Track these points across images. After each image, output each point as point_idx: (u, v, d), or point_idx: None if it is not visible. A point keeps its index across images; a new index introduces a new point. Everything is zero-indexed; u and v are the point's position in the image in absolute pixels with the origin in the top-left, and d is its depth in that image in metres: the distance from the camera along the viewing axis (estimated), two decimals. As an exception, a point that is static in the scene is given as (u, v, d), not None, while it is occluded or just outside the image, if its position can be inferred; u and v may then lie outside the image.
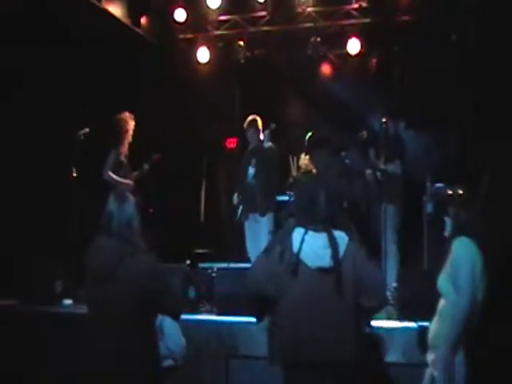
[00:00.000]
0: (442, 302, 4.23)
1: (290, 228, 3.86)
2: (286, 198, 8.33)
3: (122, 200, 4.22)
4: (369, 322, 3.90)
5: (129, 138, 8.11)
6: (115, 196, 4.26)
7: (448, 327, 4.03)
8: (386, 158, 7.90)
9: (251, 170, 8.55)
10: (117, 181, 7.82)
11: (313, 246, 3.69)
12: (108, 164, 7.87)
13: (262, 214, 8.46)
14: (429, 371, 4.21)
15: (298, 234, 3.75)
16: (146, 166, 8.23)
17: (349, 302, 3.65)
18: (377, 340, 5.64)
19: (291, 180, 8.08)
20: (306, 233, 3.73)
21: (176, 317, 4.38)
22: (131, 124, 8.10)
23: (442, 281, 4.24)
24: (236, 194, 8.81)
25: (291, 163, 8.46)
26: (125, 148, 8.08)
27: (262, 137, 8.63)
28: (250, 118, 8.73)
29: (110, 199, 4.23)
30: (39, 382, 6.06)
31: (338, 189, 6.53)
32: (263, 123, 8.83)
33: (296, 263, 3.67)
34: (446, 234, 4.52)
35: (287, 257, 3.70)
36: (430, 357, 4.23)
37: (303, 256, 3.68)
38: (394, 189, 7.92)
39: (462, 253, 4.15)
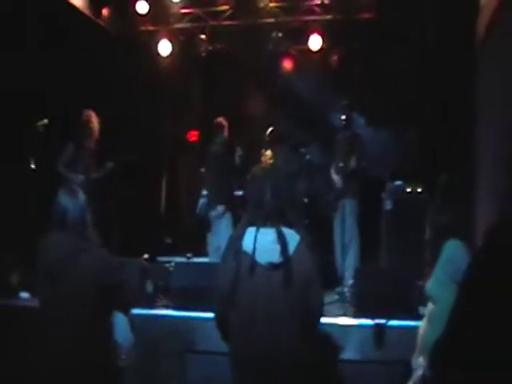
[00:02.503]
0: (429, 306, 4.25)
1: (243, 226, 3.87)
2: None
3: (72, 195, 4.17)
4: (318, 319, 3.89)
5: (92, 134, 8.05)
6: (65, 191, 4.21)
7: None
8: (345, 154, 7.94)
9: None
10: (68, 175, 7.77)
11: (263, 242, 3.68)
12: (62, 157, 7.82)
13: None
14: (418, 373, 4.23)
15: (249, 233, 3.76)
16: (109, 165, 8.16)
17: (296, 298, 3.66)
18: (330, 337, 5.68)
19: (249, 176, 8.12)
20: (257, 230, 3.73)
21: (126, 312, 4.36)
22: (94, 121, 8.05)
23: (432, 285, 4.25)
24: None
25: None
26: (88, 143, 8.02)
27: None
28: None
29: (59, 194, 4.18)
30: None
31: (289, 185, 6.55)
32: (225, 119, 8.94)
33: (250, 265, 3.67)
34: (426, 237, 4.55)
35: (241, 258, 3.71)
36: (420, 359, 4.25)
37: (255, 253, 3.68)
38: (353, 184, 7.98)
39: (458, 255, 4.15)
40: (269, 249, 3.67)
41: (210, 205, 8.78)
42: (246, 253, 3.70)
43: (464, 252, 4.15)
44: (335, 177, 8.10)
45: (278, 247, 3.66)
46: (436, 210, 4.58)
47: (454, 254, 4.16)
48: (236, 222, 8.27)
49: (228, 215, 8.63)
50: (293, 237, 3.73)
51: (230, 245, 3.96)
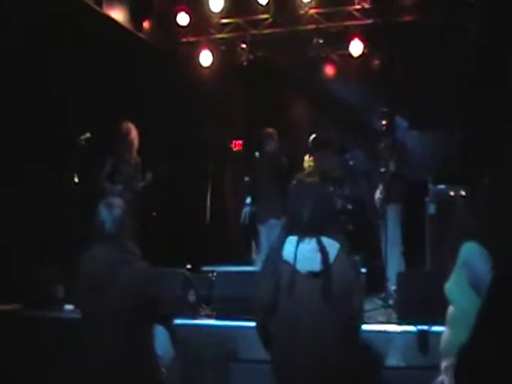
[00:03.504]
0: (450, 309, 4.20)
1: (283, 236, 3.88)
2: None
3: (109, 207, 4.23)
4: (359, 327, 3.88)
5: (132, 146, 8.13)
6: (103, 204, 4.27)
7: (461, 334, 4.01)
8: (386, 161, 7.86)
9: None
10: (106, 186, 7.86)
11: (303, 251, 3.70)
12: (104, 171, 7.92)
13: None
14: (440, 378, 4.18)
15: (290, 242, 3.77)
16: (149, 175, 8.22)
17: (337, 305, 3.66)
18: (373, 344, 5.62)
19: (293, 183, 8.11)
20: (297, 240, 3.74)
21: (168, 324, 4.38)
22: (133, 133, 8.12)
23: (450, 287, 4.19)
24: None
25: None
26: (129, 156, 8.10)
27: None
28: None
29: (100, 207, 4.24)
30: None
31: (330, 195, 6.51)
32: (267, 125, 8.94)
33: (291, 273, 3.68)
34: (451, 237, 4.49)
35: (282, 267, 3.73)
36: (443, 364, 4.19)
37: (295, 262, 3.69)
38: (397, 188, 7.90)
39: (474, 258, 4.09)
40: (309, 257, 3.70)
41: (260, 217, 8.76)
42: (286, 261, 3.73)
43: (481, 255, 4.06)
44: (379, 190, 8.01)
45: (318, 256, 3.69)
46: (466, 212, 4.52)
47: (469, 256, 4.09)
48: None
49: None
50: (333, 245, 3.75)
51: (270, 253, 4.01)
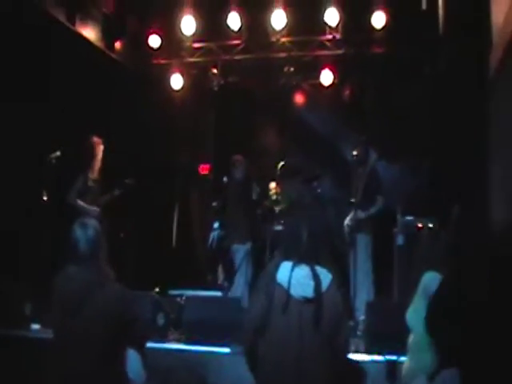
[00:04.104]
0: (410, 337, 4.23)
1: (278, 260, 3.92)
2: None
3: (84, 228, 4.15)
4: (345, 356, 3.92)
5: (97, 162, 8.08)
6: (78, 224, 4.19)
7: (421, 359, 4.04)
8: (364, 197, 7.91)
9: None
10: (82, 207, 7.78)
11: (297, 277, 3.77)
12: (74, 189, 7.85)
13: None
14: None
15: (284, 266, 3.81)
16: (116, 191, 8.17)
17: (325, 333, 3.69)
18: (360, 371, 5.59)
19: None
20: (292, 265, 3.77)
21: (141, 348, 4.31)
22: (99, 149, 8.09)
23: (410, 315, 4.24)
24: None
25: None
26: (94, 173, 8.05)
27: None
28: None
29: (74, 226, 4.16)
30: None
31: (328, 223, 6.57)
32: (235, 151, 8.97)
33: (284, 297, 3.73)
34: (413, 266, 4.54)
35: (275, 289, 3.77)
36: None
37: (290, 287, 3.72)
38: (366, 219, 7.95)
39: (433, 285, 4.14)
40: (303, 283, 3.78)
41: (234, 240, 8.78)
42: (280, 285, 3.80)
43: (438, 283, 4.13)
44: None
45: (311, 283, 3.78)
46: (430, 243, 4.64)
47: (427, 284, 4.16)
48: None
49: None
50: (326, 276, 3.85)
51: (263, 276, 4.07)
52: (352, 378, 5.50)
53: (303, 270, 3.79)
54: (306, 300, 3.72)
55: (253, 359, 3.87)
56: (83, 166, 7.99)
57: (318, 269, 3.82)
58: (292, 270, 3.79)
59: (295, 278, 3.77)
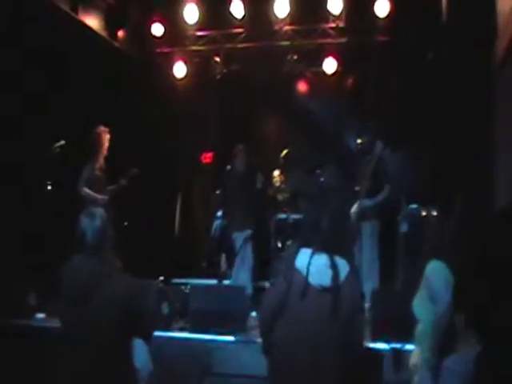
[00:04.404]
0: (418, 326, 4.24)
1: (296, 247, 3.92)
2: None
3: (91, 217, 4.11)
4: (360, 346, 3.92)
5: (104, 152, 8.07)
6: (85, 213, 4.15)
7: (427, 347, 4.06)
8: (371, 187, 7.88)
9: None
10: (91, 196, 7.78)
11: (316, 264, 3.76)
12: (82, 179, 7.82)
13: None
14: None
15: (303, 253, 3.81)
16: (122, 181, 8.15)
17: (341, 323, 3.69)
18: (377, 359, 5.60)
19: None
20: (311, 253, 3.78)
21: (148, 339, 4.31)
22: (106, 138, 8.06)
23: (416, 304, 4.25)
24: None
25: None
26: (100, 162, 8.04)
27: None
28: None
29: (81, 216, 4.12)
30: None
31: (343, 214, 6.54)
32: (238, 139, 8.97)
33: (303, 283, 3.73)
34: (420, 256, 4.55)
35: (293, 275, 3.77)
36: (414, 380, 4.24)
37: (308, 274, 3.74)
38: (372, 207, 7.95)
39: (437, 276, 4.16)
40: (321, 272, 3.74)
41: (234, 228, 8.78)
42: (298, 271, 3.77)
43: (441, 273, 4.14)
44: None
45: (329, 272, 3.73)
46: (436, 232, 4.64)
47: (431, 273, 4.17)
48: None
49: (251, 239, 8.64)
50: (344, 266, 3.79)
51: (284, 261, 4.11)
52: (366, 366, 5.54)
53: (322, 259, 3.76)
54: (324, 289, 3.71)
55: (267, 341, 3.88)
56: (90, 155, 7.97)
57: (337, 259, 3.78)
58: (311, 257, 3.77)
59: (314, 265, 3.74)
